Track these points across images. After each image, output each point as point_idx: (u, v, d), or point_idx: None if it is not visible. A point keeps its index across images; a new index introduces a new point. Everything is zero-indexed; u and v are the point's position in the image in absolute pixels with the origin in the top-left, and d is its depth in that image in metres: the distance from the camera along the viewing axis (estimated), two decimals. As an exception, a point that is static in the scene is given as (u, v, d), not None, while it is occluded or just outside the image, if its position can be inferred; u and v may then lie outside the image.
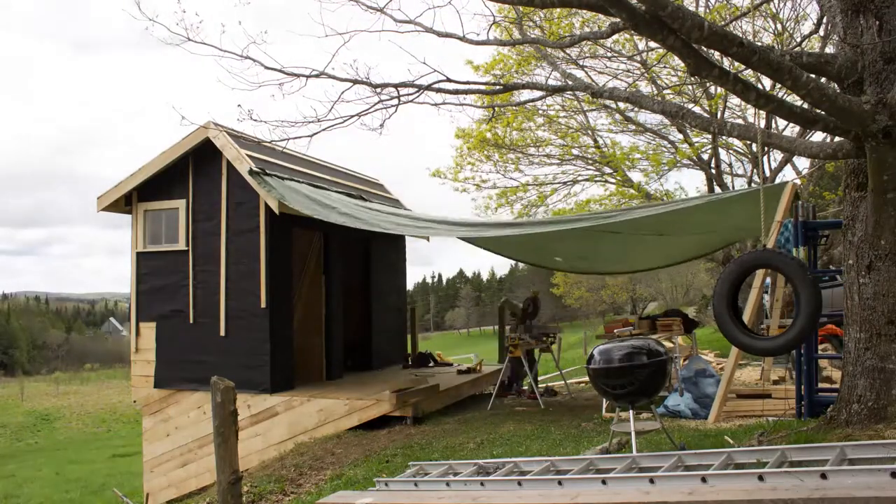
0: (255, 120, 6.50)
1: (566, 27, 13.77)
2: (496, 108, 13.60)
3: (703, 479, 3.61)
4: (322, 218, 9.20)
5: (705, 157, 17.15)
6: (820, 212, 13.57)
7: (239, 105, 6.42)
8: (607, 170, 17.65)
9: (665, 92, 15.24)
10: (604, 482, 3.93)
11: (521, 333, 10.62)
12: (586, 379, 10.96)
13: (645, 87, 15.64)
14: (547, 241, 10.26)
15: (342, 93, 6.52)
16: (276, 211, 9.28)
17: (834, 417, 5.66)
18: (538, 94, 9.27)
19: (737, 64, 6.34)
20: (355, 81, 6.49)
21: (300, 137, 6.67)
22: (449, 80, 6.64)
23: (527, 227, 9.62)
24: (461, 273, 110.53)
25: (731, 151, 17.64)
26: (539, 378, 11.36)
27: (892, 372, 5.30)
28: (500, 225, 10.34)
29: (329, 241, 11.32)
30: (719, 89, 13.82)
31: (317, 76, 6.44)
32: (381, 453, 7.72)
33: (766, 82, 12.47)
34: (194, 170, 10.24)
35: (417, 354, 13.08)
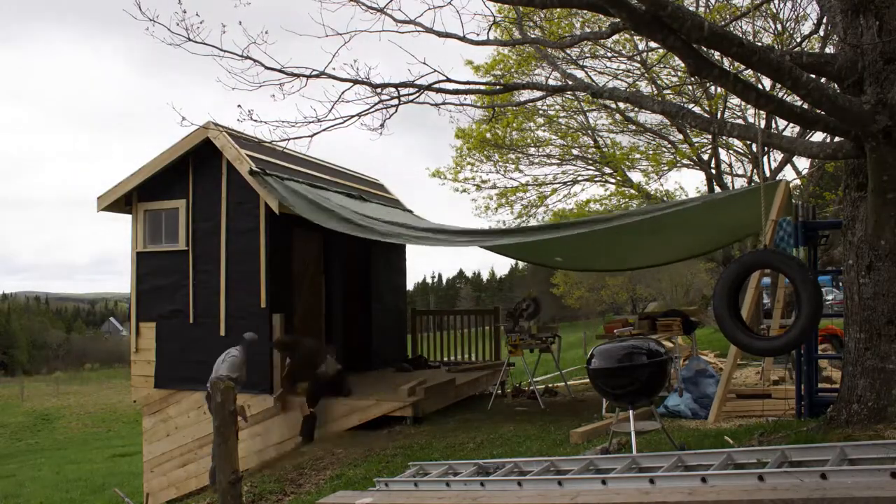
0: (256, 120, 6.49)
1: (566, 27, 13.78)
2: (496, 109, 13.59)
3: (703, 479, 3.61)
4: (322, 224, 9.23)
5: (705, 157, 17.17)
6: (820, 211, 13.58)
7: (239, 105, 6.41)
8: (607, 170, 17.66)
9: (665, 92, 15.25)
10: (604, 482, 3.93)
11: (521, 334, 10.61)
12: (586, 379, 10.95)
13: (645, 88, 15.66)
14: (547, 243, 10.25)
15: (342, 93, 6.51)
16: (277, 211, 9.28)
17: (834, 417, 5.67)
18: (538, 94, 9.30)
19: (737, 64, 6.34)
20: (355, 81, 6.49)
21: (300, 137, 6.67)
22: (449, 80, 6.64)
23: (526, 235, 9.54)
24: (461, 273, 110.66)
25: (731, 152, 17.67)
26: (539, 378, 11.35)
27: (893, 372, 5.31)
28: (502, 233, 10.28)
29: (329, 242, 11.31)
30: (719, 89, 13.83)
31: (317, 76, 6.44)
32: (380, 453, 7.73)
33: (766, 82, 12.48)
34: (194, 170, 10.23)
35: (417, 356, 13.05)
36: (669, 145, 17.44)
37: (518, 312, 10.87)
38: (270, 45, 6.25)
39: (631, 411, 5.59)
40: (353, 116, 6.63)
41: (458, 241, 9.54)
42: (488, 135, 16.80)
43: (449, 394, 10.34)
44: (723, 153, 17.54)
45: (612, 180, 17.97)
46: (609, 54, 15.39)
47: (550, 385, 12.41)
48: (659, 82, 15.57)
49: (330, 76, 6.45)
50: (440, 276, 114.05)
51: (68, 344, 78.36)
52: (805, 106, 5.54)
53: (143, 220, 10.56)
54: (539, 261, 14.16)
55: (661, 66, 14.77)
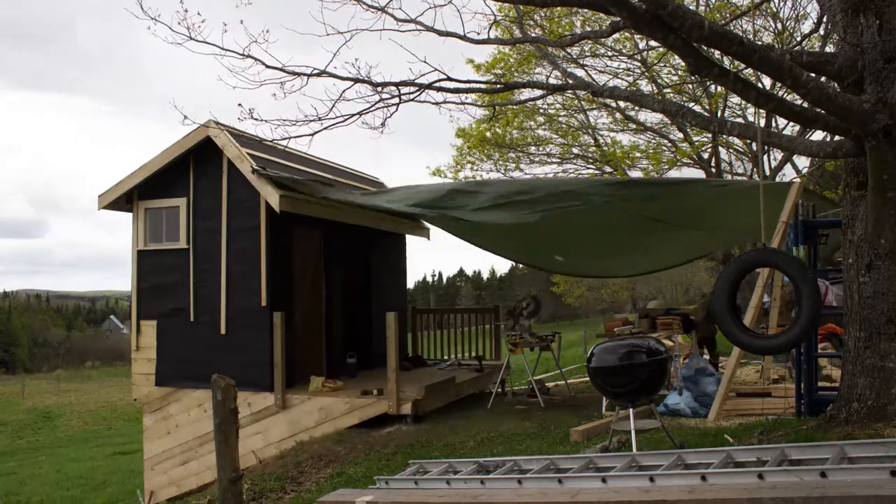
0: (257, 119, 6.51)
1: (567, 26, 13.78)
2: (497, 107, 13.59)
3: (703, 478, 3.62)
4: (332, 197, 9.21)
5: (705, 155, 17.17)
6: (820, 211, 13.55)
7: (240, 104, 6.44)
8: (608, 168, 17.66)
9: (665, 91, 15.25)
10: (604, 480, 3.94)
11: (521, 332, 10.60)
12: (587, 377, 10.95)
13: (645, 86, 15.65)
14: (546, 240, 10.19)
15: (343, 91, 6.53)
16: (277, 209, 9.28)
17: (834, 416, 5.68)
18: (539, 92, 9.28)
19: (737, 63, 6.35)
20: (356, 80, 6.50)
21: (301, 136, 6.69)
22: (450, 78, 6.65)
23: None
24: (461, 272, 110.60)
25: (731, 150, 17.66)
26: (538, 377, 11.34)
27: (892, 371, 5.32)
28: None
29: (330, 240, 11.31)
30: (719, 88, 13.83)
31: (318, 75, 6.45)
32: (381, 451, 7.74)
33: (767, 81, 12.48)
34: (195, 168, 10.23)
35: (416, 355, 13.05)
36: (670, 144, 17.44)
37: (518, 311, 10.85)
38: (272, 43, 6.27)
39: (631, 410, 5.60)
40: (354, 115, 6.64)
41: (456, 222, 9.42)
42: (488, 134, 16.79)
43: (449, 392, 10.35)
44: (723, 152, 17.54)
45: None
46: (609, 53, 15.40)
47: (547, 384, 12.37)
48: (659, 81, 15.58)
49: (331, 75, 6.46)
50: (440, 274, 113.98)
51: (69, 342, 78.26)
52: (805, 105, 5.55)
53: (144, 219, 10.57)
54: (538, 264, 14.11)
55: (662, 64, 14.76)
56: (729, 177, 17.83)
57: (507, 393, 11.23)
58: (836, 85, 5.66)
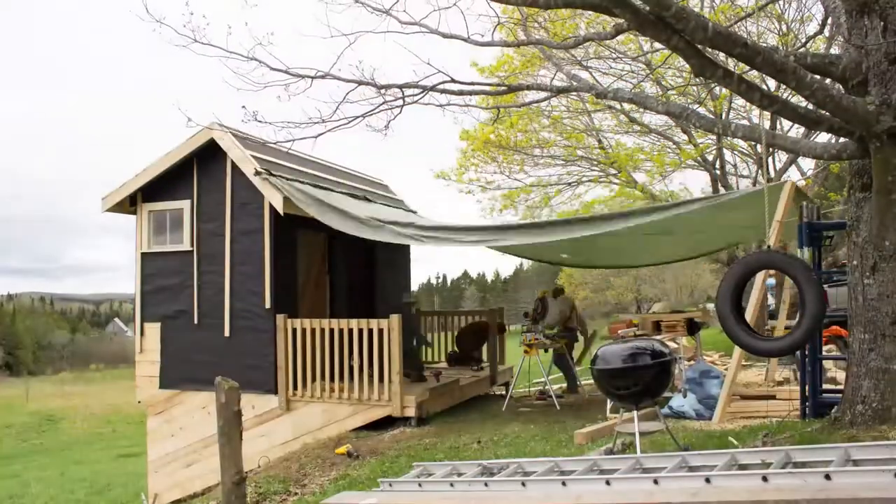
0: (260, 121, 6.52)
1: (571, 28, 13.76)
2: (501, 110, 13.59)
3: (707, 480, 3.61)
4: (334, 226, 9.23)
5: (710, 157, 17.15)
6: (825, 211, 13.54)
7: (244, 106, 6.45)
8: (612, 171, 17.65)
9: (670, 93, 15.23)
10: (608, 483, 3.93)
11: (536, 334, 10.59)
12: (591, 379, 10.90)
13: (650, 88, 15.63)
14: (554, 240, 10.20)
15: (347, 94, 6.54)
16: (281, 212, 9.30)
17: (838, 418, 5.67)
18: (543, 94, 9.28)
19: (741, 65, 6.34)
20: (360, 82, 6.51)
21: (305, 138, 6.69)
22: (454, 80, 6.65)
23: (533, 235, 9.39)
24: (465, 274, 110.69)
25: (735, 152, 17.64)
26: (544, 379, 11.31)
27: (897, 373, 5.30)
28: (509, 230, 10.12)
29: (333, 242, 11.32)
30: (724, 90, 13.82)
31: (322, 77, 6.46)
32: (385, 454, 7.74)
33: (771, 83, 12.46)
34: (199, 170, 10.25)
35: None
36: (674, 146, 17.43)
37: (535, 313, 10.85)
38: (276, 46, 6.28)
39: (635, 412, 5.59)
40: (357, 117, 6.65)
41: (466, 241, 9.47)
42: (493, 136, 16.78)
43: (453, 394, 10.35)
44: (727, 154, 17.55)
45: (617, 181, 17.96)
46: (614, 55, 15.37)
47: (544, 388, 12.34)
48: (664, 83, 15.55)
49: (335, 77, 6.47)
50: (445, 276, 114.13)
51: (73, 345, 78.45)
52: (809, 106, 5.54)
53: (148, 221, 10.59)
54: (545, 258, 14.15)
55: (666, 66, 14.74)
56: (733, 178, 17.82)
57: (512, 395, 11.20)
58: (840, 87, 5.65)
